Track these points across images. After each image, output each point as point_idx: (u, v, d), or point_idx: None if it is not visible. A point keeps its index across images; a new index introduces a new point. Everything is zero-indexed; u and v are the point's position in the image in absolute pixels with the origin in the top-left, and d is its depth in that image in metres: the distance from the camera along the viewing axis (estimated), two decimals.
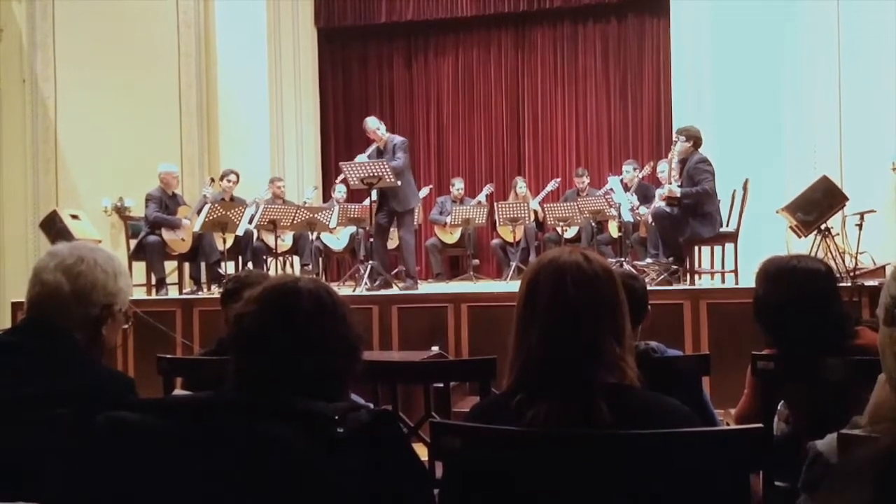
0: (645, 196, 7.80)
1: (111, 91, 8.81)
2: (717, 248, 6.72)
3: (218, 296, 3.27)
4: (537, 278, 1.49)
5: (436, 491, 1.52)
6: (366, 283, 6.64)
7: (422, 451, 1.64)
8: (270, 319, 1.45)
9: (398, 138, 7.01)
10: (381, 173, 6.57)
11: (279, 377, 1.41)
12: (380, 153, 6.93)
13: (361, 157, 6.96)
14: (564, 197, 9.03)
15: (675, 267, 6.31)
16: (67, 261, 1.80)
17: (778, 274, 2.37)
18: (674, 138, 6.61)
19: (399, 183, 6.70)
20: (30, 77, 8.98)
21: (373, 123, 6.99)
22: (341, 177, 7.27)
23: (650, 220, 6.83)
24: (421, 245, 9.27)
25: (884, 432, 1.26)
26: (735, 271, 6.32)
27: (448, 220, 8.77)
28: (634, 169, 8.31)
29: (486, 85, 10.62)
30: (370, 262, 6.79)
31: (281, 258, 7.76)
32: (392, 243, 7.62)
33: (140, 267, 7.05)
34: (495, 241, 8.99)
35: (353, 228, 8.58)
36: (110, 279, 1.84)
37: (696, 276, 6.43)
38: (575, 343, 1.42)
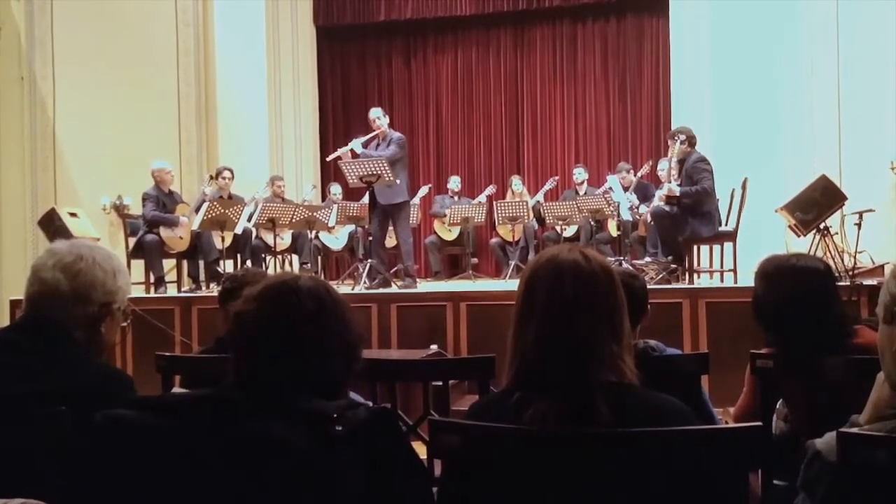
0: (644, 195, 7.81)
1: (110, 89, 8.79)
2: (716, 247, 6.72)
3: (216, 294, 3.27)
4: (536, 277, 1.49)
5: (434, 489, 1.52)
6: (365, 282, 6.64)
7: (421, 450, 1.64)
8: (270, 318, 1.44)
9: (397, 134, 7.08)
10: (380, 171, 6.58)
11: (278, 375, 1.41)
12: (377, 144, 7.00)
13: (357, 142, 6.98)
14: (563, 196, 9.04)
15: (674, 266, 6.31)
16: (66, 259, 1.80)
17: (777, 273, 2.37)
18: (669, 141, 6.61)
19: (398, 181, 6.72)
20: (28, 75, 8.97)
21: (375, 113, 7.11)
22: (333, 156, 7.22)
23: (649, 219, 6.84)
24: (420, 244, 9.27)
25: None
26: (734, 270, 6.32)
27: (446, 212, 8.74)
28: (628, 171, 8.33)
29: (486, 84, 10.62)
30: (369, 260, 6.79)
31: (280, 257, 7.76)
32: (390, 242, 7.62)
33: (139, 265, 7.05)
34: (494, 239, 9.00)
35: (351, 227, 8.57)
36: (109, 277, 1.83)
37: (695, 275, 6.43)
38: (573, 341, 1.42)
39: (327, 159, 8.11)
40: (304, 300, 1.45)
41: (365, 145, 6.99)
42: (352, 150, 6.94)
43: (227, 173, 7.73)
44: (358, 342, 1.52)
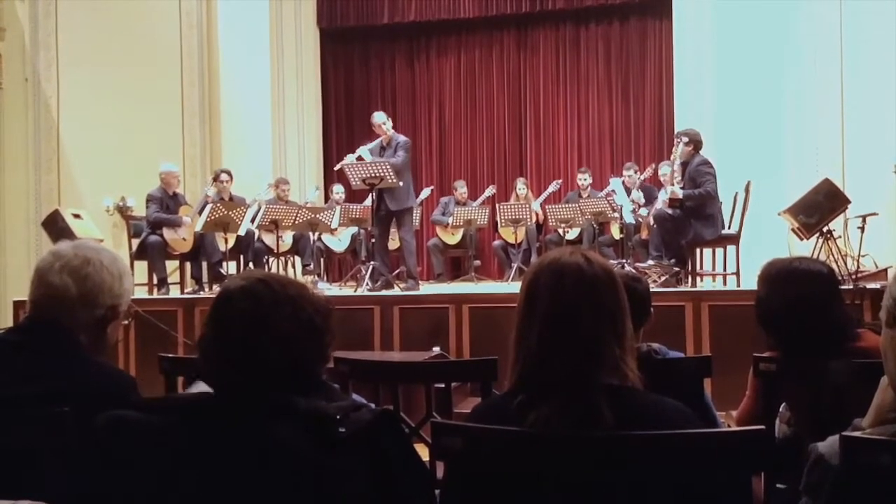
0: (647, 197, 7.80)
1: (113, 90, 8.81)
2: (719, 251, 6.72)
3: None
4: (538, 279, 1.48)
5: (437, 491, 1.52)
6: (367, 284, 6.64)
7: (423, 452, 1.64)
8: (218, 332, 1.44)
9: (402, 137, 7.05)
10: (383, 173, 6.58)
11: (251, 380, 1.40)
12: (382, 148, 6.98)
13: (363, 149, 6.99)
14: (566, 198, 9.03)
15: (676, 269, 6.31)
16: (73, 262, 1.79)
17: (780, 276, 2.37)
18: (675, 141, 6.61)
19: (400, 183, 6.72)
20: (32, 77, 8.99)
21: (379, 118, 7.06)
22: (340, 165, 7.19)
23: (652, 221, 6.83)
24: (422, 246, 9.27)
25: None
26: (737, 273, 6.31)
27: (450, 220, 8.76)
28: (635, 172, 8.31)
29: (489, 86, 10.62)
30: (371, 262, 6.79)
31: (282, 258, 7.76)
32: (393, 244, 7.62)
33: (142, 266, 7.06)
34: (497, 242, 8.99)
35: (354, 229, 8.58)
36: (116, 281, 1.83)
37: (698, 278, 6.42)
38: (575, 344, 1.42)
39: (335, 168, 8.08)
40: (237, 305, 1.42)
41: (372, 152, 6.99)
42: (359, 157, 6.92)
43: (224, 176, 7.67)
44: (318, 320, 1.47)
